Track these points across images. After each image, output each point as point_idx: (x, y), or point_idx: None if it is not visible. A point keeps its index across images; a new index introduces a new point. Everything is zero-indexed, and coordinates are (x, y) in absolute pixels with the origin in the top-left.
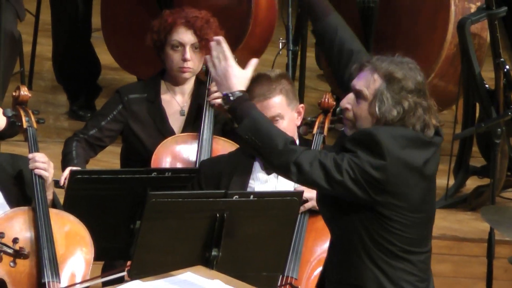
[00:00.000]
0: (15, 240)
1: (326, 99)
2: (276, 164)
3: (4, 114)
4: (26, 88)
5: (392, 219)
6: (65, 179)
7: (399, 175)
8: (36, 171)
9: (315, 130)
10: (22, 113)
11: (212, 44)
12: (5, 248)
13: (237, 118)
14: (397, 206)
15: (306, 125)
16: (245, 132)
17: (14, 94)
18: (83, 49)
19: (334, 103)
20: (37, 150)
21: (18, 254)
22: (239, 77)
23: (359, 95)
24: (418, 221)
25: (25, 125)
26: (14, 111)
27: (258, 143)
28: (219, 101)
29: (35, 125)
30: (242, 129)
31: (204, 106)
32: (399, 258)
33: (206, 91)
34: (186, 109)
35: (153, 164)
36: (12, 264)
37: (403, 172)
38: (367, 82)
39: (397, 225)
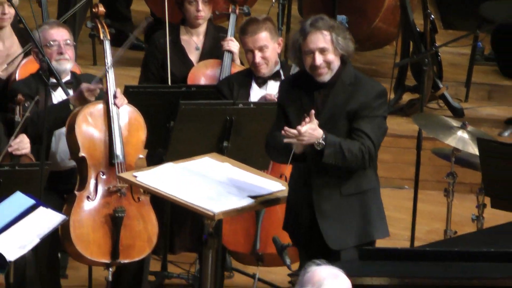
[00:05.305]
0: None
1: None
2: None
3: (86, 25)
4: (102, 5)
5: None
6: None
7: None
8: (117, 103)
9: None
10: (99, 26)
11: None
12: None
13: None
14: None
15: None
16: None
17: (94, 10)
18: None
19: None
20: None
21: None
22: (315, 129)
23: (323, 50)
24: None
25: (101, 36)
26: (93, 23)
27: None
28: (231, 46)
29: (108, 36)
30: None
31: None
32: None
33: (224, 39)
34: (200, 46)
35: (189, 81)
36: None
37: None
38: (322, 39)
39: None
